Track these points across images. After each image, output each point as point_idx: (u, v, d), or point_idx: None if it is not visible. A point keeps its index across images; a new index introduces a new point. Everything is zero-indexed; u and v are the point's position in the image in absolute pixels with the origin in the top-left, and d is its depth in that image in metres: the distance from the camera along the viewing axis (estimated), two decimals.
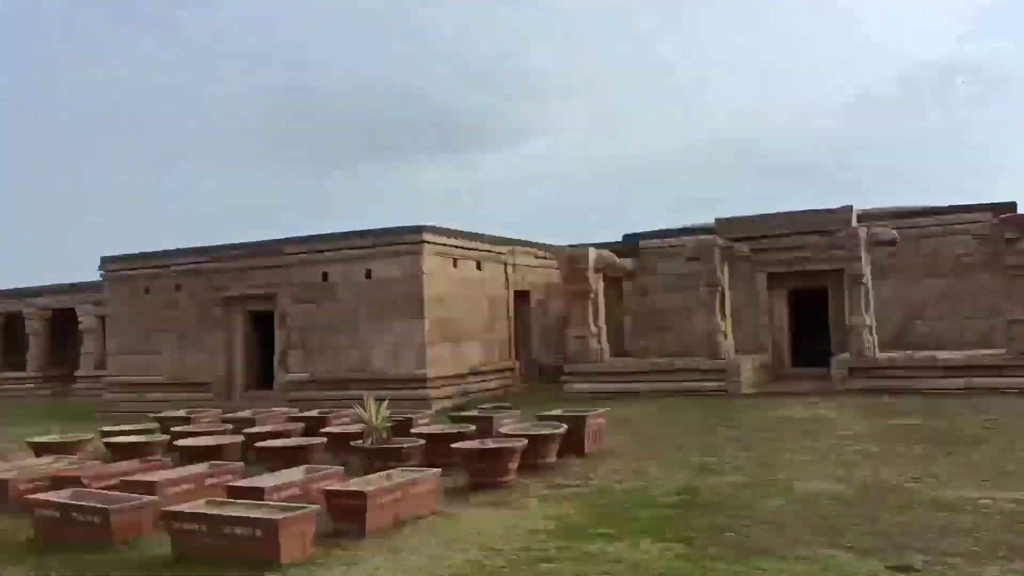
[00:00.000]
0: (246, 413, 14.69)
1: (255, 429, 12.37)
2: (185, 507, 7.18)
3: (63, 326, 29.88)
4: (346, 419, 13.62)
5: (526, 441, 9.78)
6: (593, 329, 18.60)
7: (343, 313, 19.31)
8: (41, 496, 7.84)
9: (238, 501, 7.52)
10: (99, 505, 7.42)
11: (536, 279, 23.01)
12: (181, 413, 15.26)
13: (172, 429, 13.05)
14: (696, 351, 19.58)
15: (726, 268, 17.67)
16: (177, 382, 21.30)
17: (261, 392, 20.50)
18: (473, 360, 19.97)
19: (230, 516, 6.64)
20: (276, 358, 20.24)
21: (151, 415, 16.72)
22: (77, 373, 28.87)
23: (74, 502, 7.61)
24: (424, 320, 18.33)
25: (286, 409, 15.58)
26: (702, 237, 18.31)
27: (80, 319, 28.85)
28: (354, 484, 7.98)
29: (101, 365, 28.67)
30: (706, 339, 18.10)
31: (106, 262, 22.68)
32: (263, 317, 20.88)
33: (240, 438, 11.52)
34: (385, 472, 8.65)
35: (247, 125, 77.61)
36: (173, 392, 21.02)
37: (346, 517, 7.45)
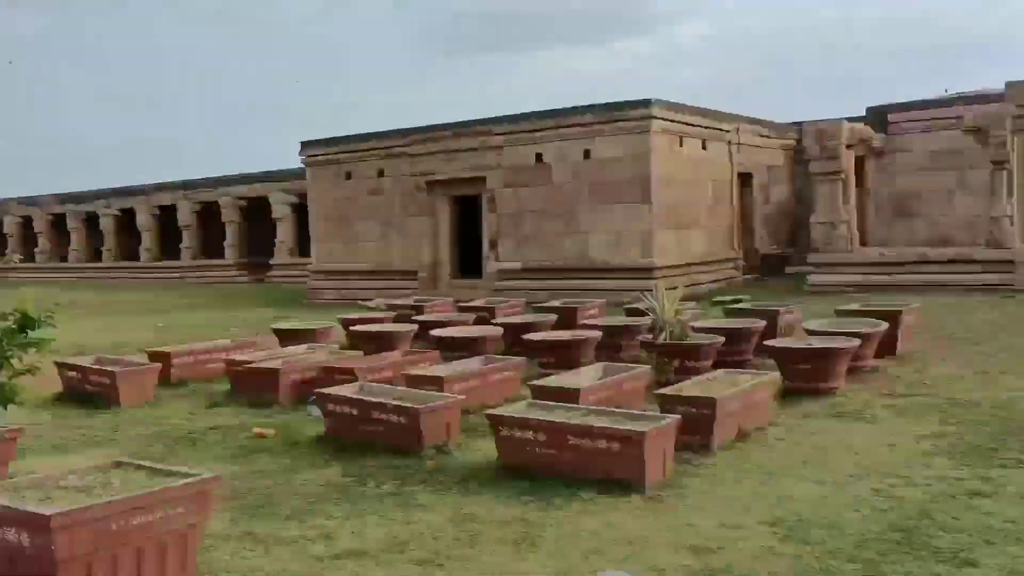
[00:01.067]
0: (479, 302, 13.80)
1: (509, 319, 11.37)
2: (511, 411, 6.10)
3: (257, 214, 30.26)
4: (593, 311, 12.45)
5: (858, 341, 8.22)
6: (843, 215, 16.50)
7: (558, 197, 17.95)
8: (335, 391, 6.99)
9: (556, 404, 6.39)
10: (406, 404, 6.47)
11: (758, 160, 20.85)
12: (409, 301, 14.56)
13: (413, 318, 12.26)
14: (955, 240, 17.14)
15: (1016, 141, 15.01)
16: (381, 270, 20.80)
17: (468, 281, 19.68)
18: (697, 249, 18.30)
19: (586, 427, 5.48)
20: (485, 246, 19.27)
21: (359, 302, 16.25)
22: (272, 261, 29.30)
23: (375, 399, 6.70)
24: (651, 204, 16.73)
25: (503, 299, 14.58)
26: (987, 105, 15.63)
27: (273, 207, 29.07)
28: (691, 389, 6.70)
29: (294, 252, 28.96)
30: (967, 226, 15.69)
31: (306, 147, 22.19)
32: (469, 202, 19.89)
33: (499, 330, 10.51)
34: (709, 375, 7.34)
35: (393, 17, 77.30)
36: (377, 280, 20.53)
37: (689, 428, 6.17)
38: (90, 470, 4.21)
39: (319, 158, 21.96)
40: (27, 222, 37.08)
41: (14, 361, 5.05)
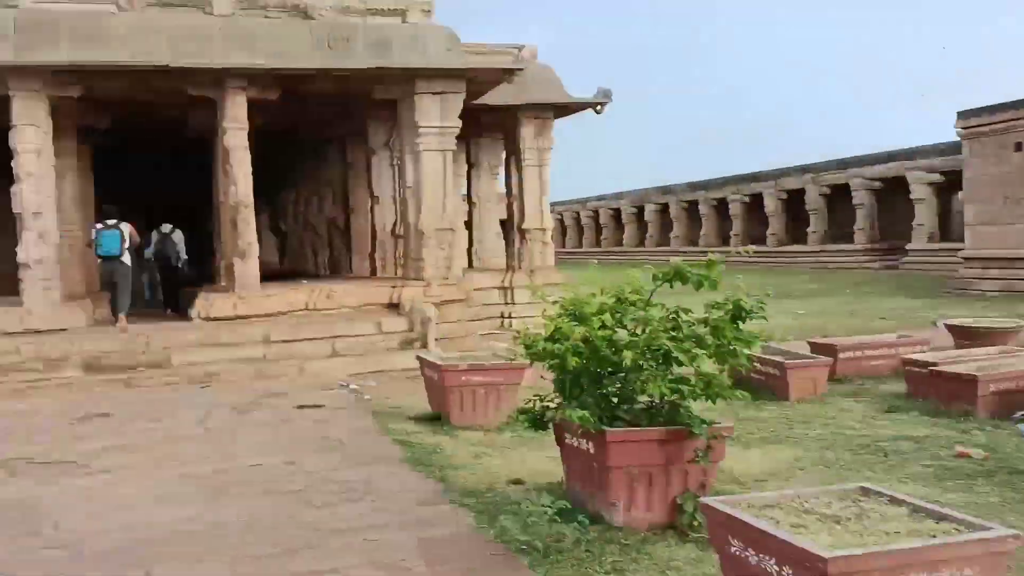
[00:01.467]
0: None
1: None
2: None
3: (889, 196, 28.20)
4: None
5: None
6: None
7: None
8: None
9: None
10: None
11: None
12: None
13: None
14: None
15: None
16: None
17: None
18: None
19: None
20: None
21: None
22: (908, 246, 27.00)
23: None
24: None
25: None
26: None
27: (912, 187, 26.72)
28: None
29: (934, 237, 26.23)
30: None
31: (964, 116, 19.68)
32: None
33: None
34: None
35: None
36: None
37: None
38: (833, 494, 3.58)
39: (979, 128, 19.25)
40: (663, 209, 40.52)
41: (730, 355, 4.71)
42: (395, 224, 14.63)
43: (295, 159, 18.43)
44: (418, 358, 8.35)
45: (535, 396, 5.22)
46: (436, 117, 12.06)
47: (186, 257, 14.68)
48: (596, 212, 46.58)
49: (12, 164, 10.56)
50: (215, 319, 11.23)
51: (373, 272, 14.92)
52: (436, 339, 11.04)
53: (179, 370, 10.02)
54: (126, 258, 11.70)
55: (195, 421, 7.87)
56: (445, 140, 12.24)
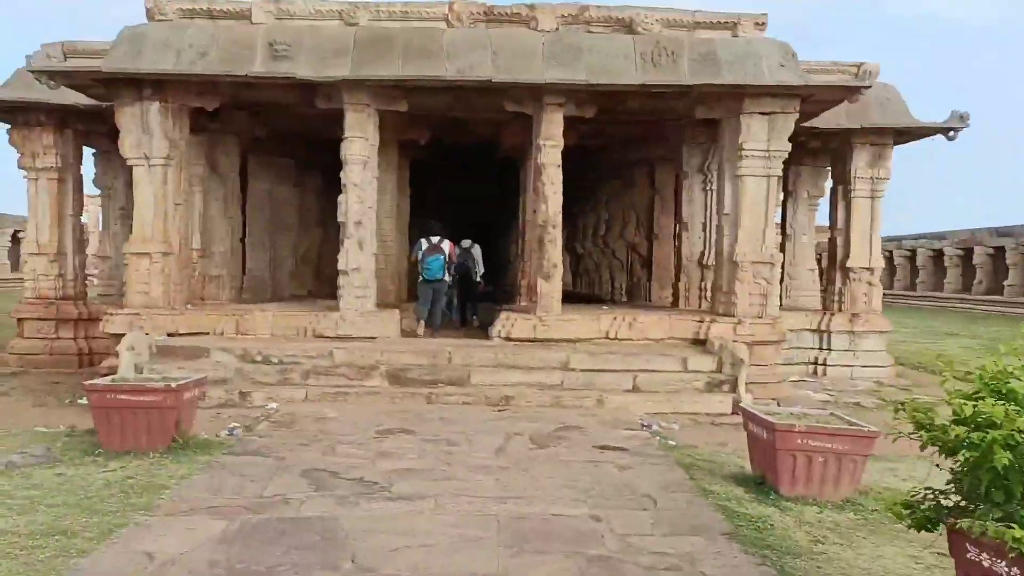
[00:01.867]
0: None
1: None
2: None
3: None
4: None
5: None
6: None
7: None
8: None
9: None
10: None
11: None
12: None
13: None
14: None
15: None
16: None
17: None
18: None
19: None
20: None
21: None
22: None
23: None
24: None
25: None
26: None
27: None
28: None
29: None
30: None
31: None
32: None
33: None
34: None
35: None
36: None
37: None
38: None
39: None
40: (998, 253, 35.58)
41: None
42: (703, 253, 13.62)
43: (598, 180, 18.04)
44: (741, 409, 7.30)
45: (926, 489, 4.01)
46: (763, 139, 10.93)
47: (483, 271, 14.64)
48: (913, 252, 42.17)
49: (340, 175, 10.95)
50: (515, 340, 10.91)
51: (675, 303, 14.00)
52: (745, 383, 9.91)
53: (477, 390, 9.75)
54: (447, 277, 12.17)
55: (493, 450, 7.42)
56: (771, 164, 11.06)
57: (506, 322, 11.07)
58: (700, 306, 13.51)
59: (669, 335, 11.22)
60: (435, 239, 12.17)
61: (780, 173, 11.24)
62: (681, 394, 9.89)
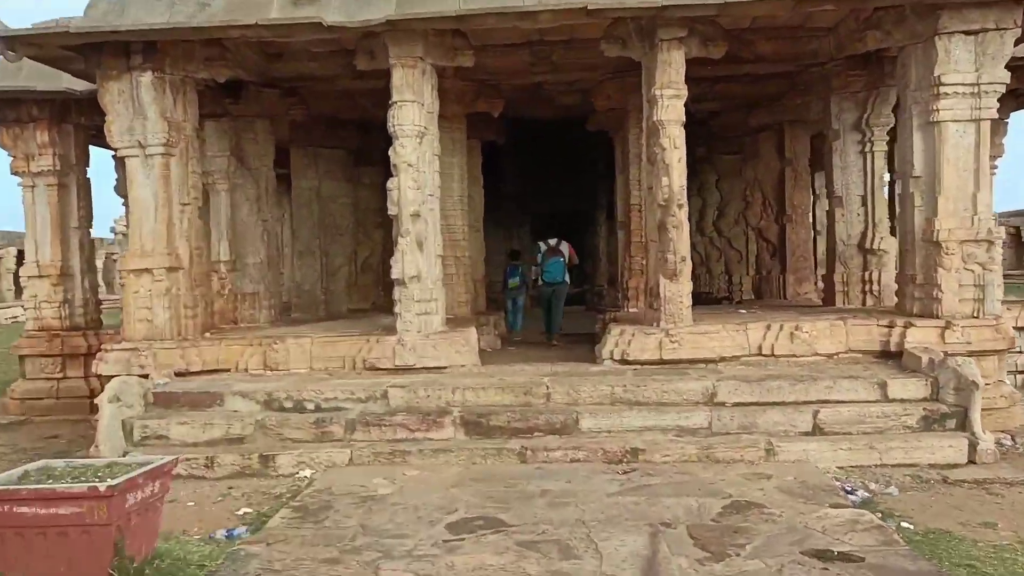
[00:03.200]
0: None
1: None
2: None
3: None
4: None
5: None
6: None
7: None
8: None
9: None
10: None
11: None
12: None
13: None
14: None
15: None
16: None
17: None
18: None
19: None
20: None
21: None
22: None
23: None
24: None
25: None
26: None
27: None
28: None
29: None
30: None
31: None
32: None
33: None
34: None
35: None
36: None
37: None
38: None
39: None
40: None
41: None
42: (864, 234, 10.45)
43: (707, 155, 14.91)
44: None
45: None
46: (969, 68, 7.81)
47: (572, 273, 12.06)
48: None
49: (390, 152, 8.24)
50: (633, 363, 8.02)
51: (827, 300, 10.85)
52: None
53: (589, 439, 6.88)
54: (567, 278, 11.44)
55: (634, 561, 4.52)
56: (981, 103, 7.92)
57: (620, 339, 8.18)
58: (864, 303, 10.36)
59: (846, 348, 8.15)
60: (552, 241, 11.49)
61: (994, 114, 8.04)
62: (886, 436, 6.81)
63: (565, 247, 11.41)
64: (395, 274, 8.18)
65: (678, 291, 8.15)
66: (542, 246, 11.44)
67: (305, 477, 6.65)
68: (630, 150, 10.91)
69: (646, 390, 7.26)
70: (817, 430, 6.89)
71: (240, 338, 8.70)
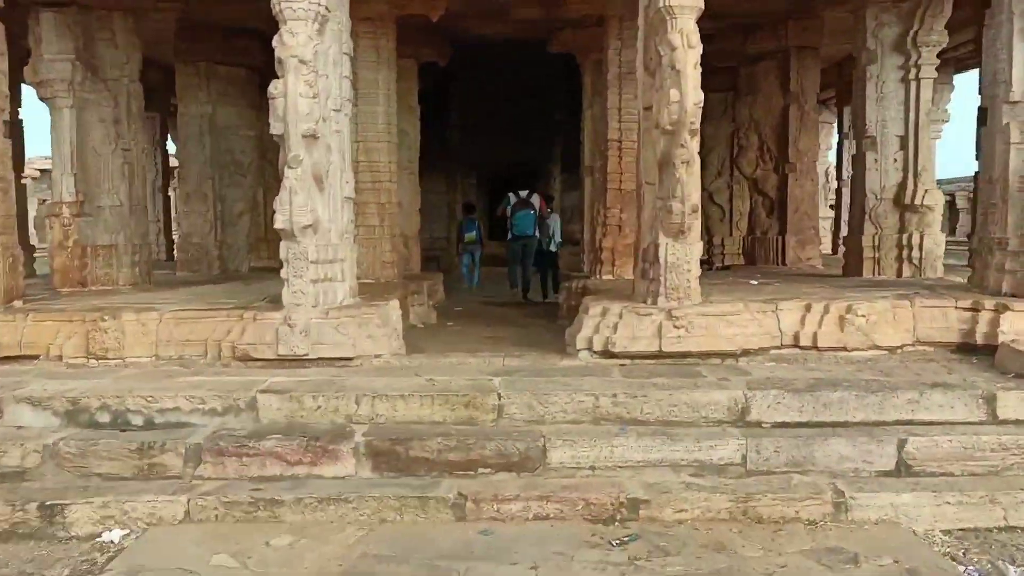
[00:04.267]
0: None
1: None
2: None
3: None
4: None
5: None
6: None
7: None
8: None
9: None
10: None
11: None
12: None
13: None
14: None
15: None
16: None
17: None
18: None
19: None
20: None
21: None
22: None
23: None
24: None
25: None
26: None
27: None
28: None
29: None
30: None
31: None
32: None
33: None
34: None
35: None
36: None
37: None
38: None
39: None
40: None
41: None
42: (902, 185, 8.21)
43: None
44: None
45: None
46: None
47: (560, 240, 11.15)
48: None
49: (273, 43, 5.62)
50: (621, 356, 5.63)
51: (853, 267, 8.58)
52: None
53: (562, 481, 4.48)
54: (537, 234, 10.62)
55: None
56: None
57: (602, 322, 5.78)
58: (900, 272, 8.17)
59: (914, 338, 5.87)
60: (523, 192, 10.69)
61: None
62: (1006, 480, 4.54)
63: (536, 199, 10.60)
64: (280, 223, 5.62)
65: (685, 255, 5.75)
66: (511, 197, 10.67)
67: (111, 543, 4.15)
68: (609, 69, 8.42)
69: (645, 402, 4.87)
70: (904, 468, 4.59)
71: (60, 311, 6.06)
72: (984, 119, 10.62)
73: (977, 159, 6.35)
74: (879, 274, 8.22)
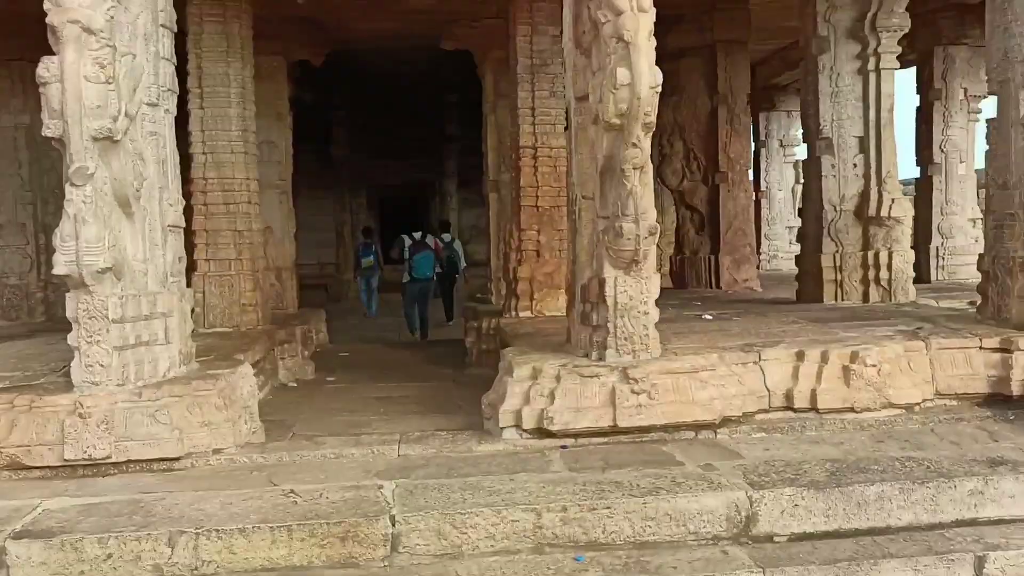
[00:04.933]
0: None
1: None
2: None
3: None
4: None
5: None
6: None
7: None
8: None
9: None
10: None
11: None
12: None
13: None
14: None
15: None
16: None
17: None
18: None
19: None
20: None
21: None
22: None
23: None
24: None
25: None
26: None
27: None
28: None
29: None
30: None
31: None
32: None
33: None
34: None
35: None
36: None
37: None
38: None
39: None
40: None
41: None
42: (864, 195, 6.99)
43: None
44: None
45: None
46: None
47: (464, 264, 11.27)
48: None
49: (45, 5, 3.85)
50: (560, 435, 4.08)
51: (810, 290, 7.28)
52: None
53: None
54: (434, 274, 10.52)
55: None
56: None
57: (533, 386, 4.21)
58: (867, 297, 6.93)
59: (934, 391, 4.53)
60: (417, 235, 10.57)
61: None
62: None
63: (431, 240, 10.62)
64: (61, 266, 3.82)
65: (640, 293, 4.26)
66: (406, 240, 10.51)
67: None
68: (518, 61, 6.91)
69: (609, 516, 3.33)
70: None
71: None
72: (926, 118, 9.54)
73: (986, 161, 5.14)
74: (842, 299, 6.97)
